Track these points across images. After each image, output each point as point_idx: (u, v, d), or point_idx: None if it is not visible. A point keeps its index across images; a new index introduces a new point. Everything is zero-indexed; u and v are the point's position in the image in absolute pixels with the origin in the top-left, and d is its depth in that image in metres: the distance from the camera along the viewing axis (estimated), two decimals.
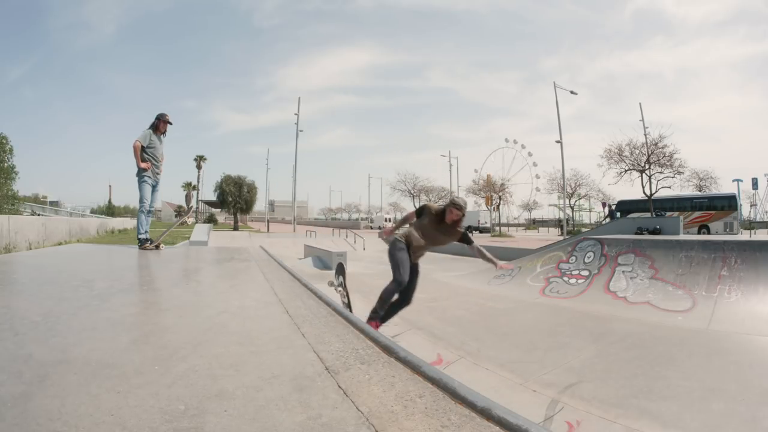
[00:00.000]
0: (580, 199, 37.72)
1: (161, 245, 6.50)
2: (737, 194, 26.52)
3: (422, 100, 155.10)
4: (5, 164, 15.77)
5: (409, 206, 47.74)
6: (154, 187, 6.13)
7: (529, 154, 44.57)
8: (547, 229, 45.19)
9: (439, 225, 3.55)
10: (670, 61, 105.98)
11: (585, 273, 8.03)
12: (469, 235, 3.72)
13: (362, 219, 61.78)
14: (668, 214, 22.27)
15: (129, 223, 37.00)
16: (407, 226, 3.79)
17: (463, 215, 3.51)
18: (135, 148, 5.78)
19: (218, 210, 44.19)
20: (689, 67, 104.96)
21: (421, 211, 3.72)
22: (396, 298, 3.62)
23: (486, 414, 1.33)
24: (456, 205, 3.49)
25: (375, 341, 2.05)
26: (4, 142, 15.75)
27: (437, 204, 3.80)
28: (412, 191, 43.43)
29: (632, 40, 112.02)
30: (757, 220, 36.41)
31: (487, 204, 36.47)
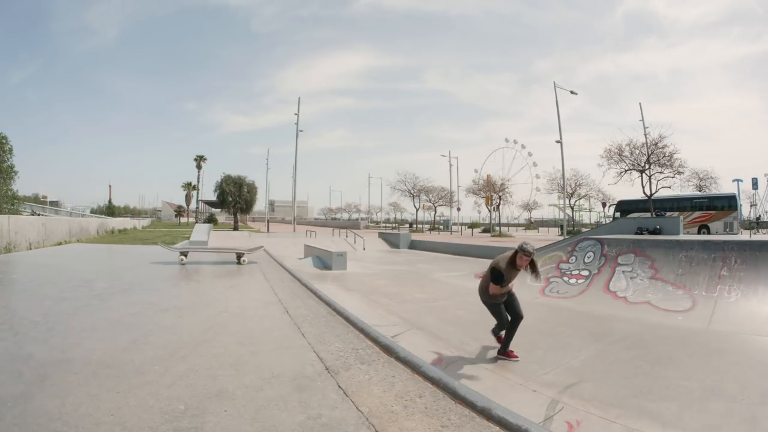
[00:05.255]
0: (580, 199, 37.65)
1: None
2: (737, 194, 26.52)
3: (420, 102, 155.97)
4: (5, 164, 15.72)
5: (409, 206, 47.70)
6: None
7: (529, 154, 44.52)
8: (547, 229, 45.14)
9: (511, 272, 4.02)
10: (664, 62, 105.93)
11: (585, 273, 8.02)
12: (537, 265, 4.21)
13: (362, 219, 61.71)
14: (668, 214, 22.26)
15: (129, 223, 36.99)
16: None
17: (533, 260, 3.99)
18: None
19: (218, 210, 44.13)
20: (684, 67, 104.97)
21: (498, 277, 4.00)
22: (509, 324, 4.28)
23: (486, 414, 1.33)
24: (525, 252, 3.88)
25: (375, 341, 2.05)
26: (4, 141, 15.71)
27: (503, 258, 4.09)
28: (412, 191, 43.40)
29: (624, 42, 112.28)
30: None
31: (487, 204, 36.39)
